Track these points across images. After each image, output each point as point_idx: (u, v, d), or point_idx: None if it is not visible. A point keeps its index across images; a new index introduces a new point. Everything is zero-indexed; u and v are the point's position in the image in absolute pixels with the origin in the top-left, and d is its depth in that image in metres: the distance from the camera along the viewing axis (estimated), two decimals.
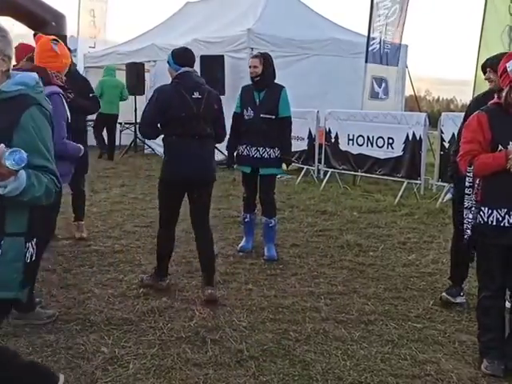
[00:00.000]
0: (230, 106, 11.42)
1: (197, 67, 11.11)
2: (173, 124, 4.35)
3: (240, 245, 5.89)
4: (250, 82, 5.67)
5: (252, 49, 11.20)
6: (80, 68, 17.56)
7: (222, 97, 11.43)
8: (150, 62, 13.79)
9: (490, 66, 4.03)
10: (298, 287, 4.76)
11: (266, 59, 5.45)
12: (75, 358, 3.40)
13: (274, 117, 5.45)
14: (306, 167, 10.07)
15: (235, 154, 5.73)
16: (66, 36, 19.53)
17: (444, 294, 4.42)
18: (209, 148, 4.54)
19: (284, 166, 5.93)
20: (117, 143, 14.92)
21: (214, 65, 11.24)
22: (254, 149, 5.54)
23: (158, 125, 4.47)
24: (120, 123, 14.18)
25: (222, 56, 11.31)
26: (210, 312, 4.16)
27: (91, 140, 11.36)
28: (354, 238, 6.32)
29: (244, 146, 5.59)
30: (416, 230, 6.73)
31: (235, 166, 5.89)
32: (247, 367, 3.37)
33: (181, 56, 4.46)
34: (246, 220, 5.91)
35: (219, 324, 3.95)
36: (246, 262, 5.41)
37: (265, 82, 5.46)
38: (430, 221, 7.22)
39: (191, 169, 4.36)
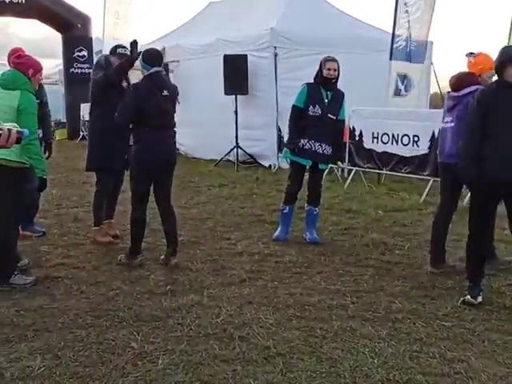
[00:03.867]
0: (252, 103, 11.59)
1: (220, 66, 11.35)
2: (146, 117, 4.97)
3: (275, 234, 6.14)
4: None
5: (275, 47, 11.22)
6: None
7: (245, 96, 11.57)
8: (173, 61, 13.86)
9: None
10: (323, 285, 4.76)
11: (338, 63, 5.90)
12: (106, 353, 3.46)
13: (335, 118, 5.91)
14: (330, 166, 10.02)
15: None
16: (91, 38, 19.86)
17: (468, 297, 4.35)
18: (173, 137, 5.35)
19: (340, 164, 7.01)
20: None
21: (237, 64, 11.27)
22: (317, 144, 5.92)
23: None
24: None
25: (245, 55, 11.32)
26: (236, 309, 4.19)
27: None
28: (380, 236, 6.29)
29: (307, 140, 5.89)
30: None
31: (290, 157, 6.08)
32: (275, 364, 3.39)
33: (151, 57, 5.07)
34: (285, 212, 6.15)
35: (246, 321, 3.98)
36: (271, 260, 5.43)
37: (335, 84, 5.90)
38: (457, 219, 7.13)
39: (164, 156, 5.12)
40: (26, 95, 4.51)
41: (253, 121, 11.57)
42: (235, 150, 11.54)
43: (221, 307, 4.20)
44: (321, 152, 5.93)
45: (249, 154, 11.81)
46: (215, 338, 3.72)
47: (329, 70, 5.80)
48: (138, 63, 6.55)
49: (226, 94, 11.47)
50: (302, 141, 5.90)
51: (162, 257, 5.33)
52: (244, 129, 11.57)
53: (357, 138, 9.46)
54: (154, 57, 5.08)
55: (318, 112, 5.82)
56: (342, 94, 5.99)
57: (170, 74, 13.81)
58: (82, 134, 18.17)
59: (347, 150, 9.61)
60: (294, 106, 5.98)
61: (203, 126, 12.66)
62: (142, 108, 4.94)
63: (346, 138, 9.61)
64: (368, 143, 9.28)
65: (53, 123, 22.46)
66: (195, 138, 13.08)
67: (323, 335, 3.78)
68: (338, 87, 5.99)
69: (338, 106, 5.93)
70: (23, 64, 4.68)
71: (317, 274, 5.05)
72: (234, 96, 11.45)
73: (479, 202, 4.38)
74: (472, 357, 3.50)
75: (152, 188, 5.27)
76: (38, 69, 4.80)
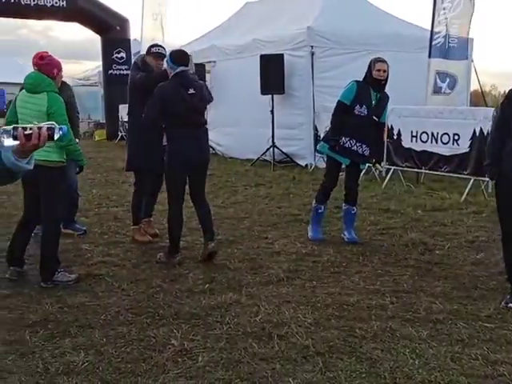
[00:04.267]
0: (288, 103, 11.59)
1: (256, 66, 11.38)
2: (173, 116, 5.07)
3: (310, 234, 6.14)
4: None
5: (312, 47, 11.18)
6: None
7: (281, 95, 11.59)
8: (210, 62, 13.96)
9: None
10: (362, 285, 4.73)
11: (388, 65, 5.84)
12: (147, 350, 3.51)
13: (377, 119, 5.91)
14: (367, 165, 9.93)
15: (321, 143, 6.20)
16: (129, 39, 20.16)
17: (510, 304, 4.24)
18: (205, 134, 5.35)
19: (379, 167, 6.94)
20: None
21: (273, 64, 11.28)
22: (358, 144, 5.88)
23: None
24: None
25: (282, 55, 11.33)
26: (275, 308, 4.19)
27: None
28: (419, 236, 6.21)
29: (348, 139, 5.86)
30: (484, 229, 6.54)
31: (327, 153, 6.05)
32: (314, 363, 3.38)
33: (177, 57, 5.16)
34: (320, 211, 6.15)
35: (284, 320, 3.98)
36: (309, 260, 5.42)
37: (384, 86, 5.85)
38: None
39: (194, 154, 5.13)
40: (53, 97, 4.56)
41: (289, 120, 11.57)
42: (271, 149, 11.56)
43: (259, 306, 4.22)
44: (360, 152, 5.91)
45: (285, 154, 11.80)
46: (254, 336, 3.73)
47: (378, 71, 5.72)
48: None
49: (262, 93, 11.50)
50: (343, 139, 5.85)
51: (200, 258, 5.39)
52: (280, 128, 11.58)
53: (395, 137, 9.36)
54: (179, 57, 5.17)
55: (364, 112, 5.77)
56: (388, 97, 5.97)
57: (207, 75, 13.95)
58: (120, 134, 18.46)
59: (385, 149, 9.50)
60: (339, 102, 5.88)
61: (239, 125, 12.73)
62: (168, 107, 5.05)
63: (384, 137, 9.53)
64: (407, 142, 9.17)
65: (92, 124, 23.08)
66: (232, 138, 13.17)
67: (362, 335, 3.75)
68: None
69: (382, 109, 5.93)
70: (47, 65, 4.71)
71: (355, 273, 5.02)
72: (270, 96, 11.47)
73: (504, 203, 4.28)
74: None
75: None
76: (60, 68, 4.86)
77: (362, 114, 5.77)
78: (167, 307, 4.20)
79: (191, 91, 5.09)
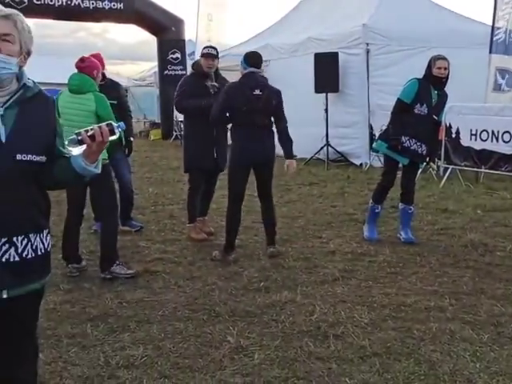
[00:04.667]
0: (342, 101, 11.49)
1: (311, 65, 11.33)
2: (237, 115, 5.22)
3: (365, 233, 6.07)
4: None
5: (367, 44, 11.04)
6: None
7: (335, 94, 11.50)
8: (264, 61, 13.95)
9: None
10: (420, 286, 4.64)
11: (449, 62, 5.70)
12: (203, 346, 3.56)
13: (436, 118, 5.84)
14: (424, 164, 9.74)
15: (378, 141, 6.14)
16: (184, 40, 20.45)
17: None
18: (268, 135, 5.34)
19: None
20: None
21: (327, 62, 11.21)
22: (418, 144, 5.79)
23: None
24: None
25: (337, 53, 11.24)
26: (330, 307, 4.17)
27: None
28: (479, 237, 6.04)
29: (407, 138, 5.78)
30: None
31: (387, 154, 5.96)
32: (371, 363, 3.35)
33: (249, 58, 5.32)
34: (377, 211, 6.08)
35: (340, 319, 3.95)
36: (365, 260, 5.36)
37: (445, 84, 5.73)
38: None
39: (252, 153, 5.22)
40: (98, 96, 4.79)
41: (344, 119, 11.47)
42: (325, 148, 11.48)
43: (314, 305, 4.20)
44: (420, 152, 5.81)
45: (339, 153, 11.70)
46: (309, 335, 3.72)
47: (439, 68, 5.59)
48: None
49: (316, 92, 11.45)
50: (403, 138, 5.76)
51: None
52: (335, 127, 11.49)
53: (453, 136, 9.13)
54: (251, 58, 5.33)
55: (424, 112, 5.66)
56: (447, 96, 5.83)
57: (263, 74, 13.98)
58: (175, 133, 18.74)
59: (443, 147, 9.31)
60: (399, 100, 5.76)
61: (293, 124, 12.57)
62: (232, 106, 5.22)
63: (442, 136, 9.32)
64: (465, 141, 8.94)
65: (148, 124, 23.53)
66: None
67: (421, 337, 3.69)
68: None
69: (441, 108, 5.83)
70: (88, 67, 4.92)
71: (412, 274, 4.93)
72: (324, 94, 11.40)
73: None
74: None
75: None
76: (100, 69, 5.08)
77: (422, 113, 5.66)
78: (223, 304, 4.24)
79: (257, 92, 5.18)
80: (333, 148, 11.57)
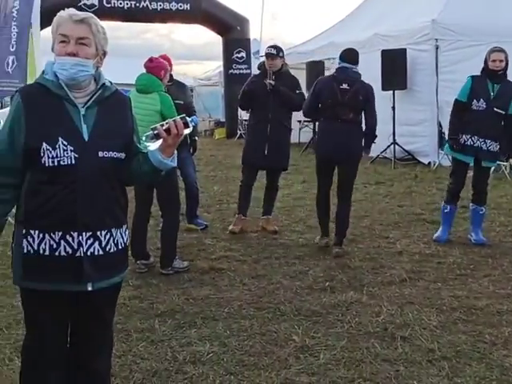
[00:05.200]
0: (410, 98, 11.23)
1: (378, 62, 11.16)
2: (323, 108, 5.41)
3: (436, 234, 5.93)
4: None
5: (436, 40, 10.76)
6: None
7: (403, 91, 11.26)
8: (329, 59, 13.88)
9: None
10: (491, 289, 4.49)
11: (506, 54, 5.58)
12: (269, 344, 3.57)
13: (504, 112, 5.56)
14: (497, 162, 9.40)
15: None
16: (249, 39, 20.58)
17: None
18: (352, 130, 5.34)
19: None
20: (296, 140, 15.34)
21: (395, 59, 11.00)
22: (481, 140, 5.61)
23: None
24: (299, 121, 14.48)
25: (405, 49, 11.01)
26: (397, 309, 4.09)
27: None
28: None
29: (469, 136, 5.65)
30: None
31: (452, 155, 5.96)
32: (440, 367, 3.27)
33: (343, 54, 5.49)
34: (446, 211, 5.92)
35: (408, 321, 3.87)
36: (433, 261, 5.23)
37: (502, 76, 5.58)
38: None
39: (333, 146, 5.31)
40: (164, 97, 4.88)
41: (411, 116, 11.22)
42: (392, 146, 11.28)
43: (381, 306, 4.14)
44: (485, 148, 5.60)
45: (406, 151, 11.46)
46: (376, 336, 3.67)
47: (494, 61, 5.47)
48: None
49: (383, 89, 11.23)
50: (464, 137, 5.63)
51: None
52: (402, 125, 11.26)
53: None
54: (344, 54, 5.50)
55: (483, 106, 5.51)
56: None
57: (326, 72, 13.90)
58: (239, 132, 18.89)
59: None
60: (455, 100, 5.75)
61: None
62: (319, 98, 5.43)
63: None
64: None
65: (213, 123, 23.84)
66: None
67: (492, 341, 3.57)
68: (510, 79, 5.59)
69: (507, 100, 5.55)
70: (156, 67, 5.02)
71: (484, 276, 4.78)
72: (391, 92, 11.20)
73: None
74: None
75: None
76: (167, 69, 5.16)
77: (480, 109, 5.51)
78: (288, 303, 4.24)
79: (344, 86, 5.29)
80: (400, 146, 11.35)
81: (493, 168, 9.25)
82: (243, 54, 19.96)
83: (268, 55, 5.95)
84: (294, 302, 4.28)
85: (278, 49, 6.01)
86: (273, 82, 5.89)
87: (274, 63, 5.93)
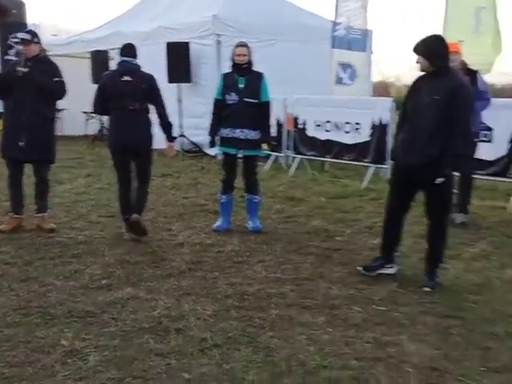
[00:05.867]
0: (195, 91, 11.44)
1: (163, 54, 11.13)
2: (109, 100, 5.61)
3: (215, 224, 6.10)
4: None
5: (218, 35, 11.08)
6: None
7: (189, 84, 11.38)
8: (115, 49, 13.50)
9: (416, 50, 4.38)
10: (264, 274, 4.73)
11: (249, 48, 5.88)
12: (34, 352, 3.32)
13: (256, 101, 5.82)
14: (274, 154, 10.04)
15: (217, 137, 6.06)
16: (25, 24, 19.14)
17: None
18: (140, 118, 5.60)
19: (265, 146, 6.53)
20: (82, 133, 14.71)
21: (179, 52, 11.10)
22: (238, 131, 5.85)
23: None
24: (85, 112, 13.91)
25: (187, 43, 11.16)
26: (174, 301, 4.10)
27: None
28: (322, 223, 6.32)
29: (229, 129, 5.89)
30: (382, 214, 6.73)
31: (218, 149, 6.22)
32: (211, 355, 3.33)
33: (123, 49, 5.78)
34: (222, 201, 6.11)
35: (183, 313, 3.90)
36: (213, 251, 5.36)
37: (248, 69, 5.84)
38: None
39: (124, 135, 5.55)
40: None
41: (197, 109, 11.41)
42: (180, 139, 11.37)
43: (157, 300, 4.11)
44: (243, 138, 5.83)
45: (194, 143, 11.67)
46: (150, 331, 3.62)
47: (238, 55, 5.79)
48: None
49: (169, 82, 11.28)
50: (223, 130, 5.90)
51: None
52: (188, 117, 11.42)
53: (300, 127, 9.48)
54: (123, 49, 5.77)
55: (236, 99, 5.78)
56: (260, 76, 5.85)
57: (111, 62, 13.52)
58: None
59: (292, 138, 9.65)
60: (214, 99, 6.01)
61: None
62: (105, 92, 5.61)
63: (290, 126, 9.65)
64: (311, 131, 9.32)
65: None
66: None
67: (261, 324, 3.75)
68: (258, 71, 5.89)
69: (256, 89, 5.80)
70: None
71: (258, 262, 5.02)
72: (177, 84, 11.28)
73: (391, 188, 4.78)
74: (405, 340, 3.54)
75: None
76: None
77: (234, 102, 5.79)
78: (59, 306, 4.00)
79: (125, 78, 5.54)
80: (187, 139, 11.51)
81: (272, 159, 9.91)
82: None
83: (22, 41, 5.60)
84: (67, 303, 4.05)
85: (33, 34, 5.70)
86: (25, 70, 5.52)
87: (28, 49, 5.58)
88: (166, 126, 5.78)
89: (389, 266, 4.72)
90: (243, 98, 5.76)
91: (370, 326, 3.73)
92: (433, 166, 4.23)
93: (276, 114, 9.85)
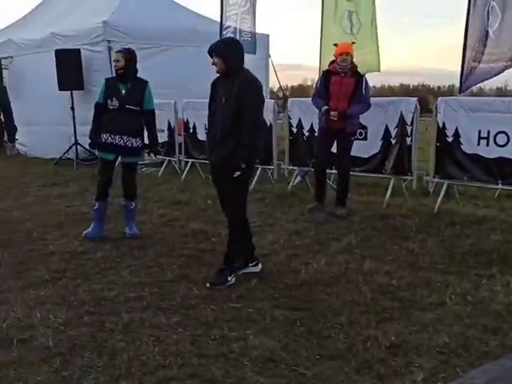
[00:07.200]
0: (88, 99, 11.24)
1: (52, 61, 10.86)
2: None
3: (86, 231, 6.04)
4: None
5: (109, 41, 10.97)
6: None
7: (82, 91, 11.16)
8: (7, 58, 13.11)
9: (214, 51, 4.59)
10: (128, 278, 4.73)
11: (128, 54, 5.78)
12: None
13: (139, 109, 5.81)
14: (168, 159, 10.04)
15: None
16: None
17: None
18: None
19: (152, 155, 6.45)
20: None
21: (70, 59, 10.89)
22: (118, 137, 5.81)
23: None
24: None
25: (78, 50, 10.98)
26: (27, 311, 4.04)
27: None
28: (201, 225, 6.39)
29: (108, 135, 5.84)
30: (263, 214, 6.91)
31: (97, 153, 6.24)
32: (52, 364, 3.31)
33: None
34: (95, 208, 6.06)
35: (33, 323, 3.84)
36: (83, 258, 5.31)
37: (127, 75, 5.77)
38: (280, 204, 7.45)
39: None
40: None
41: (91, 116, 11.18)
42: (75, 147, 11.16)
43: (9, 311, 4.03)
44: (122, 144, 5.82)
45: (89, 151, 11.45)
46: None
47: (114, 61, 5.83)
48: None
49: (60, 89, 11.06)
50: (103, 135, 5.84)
51: None
52: (83, 125, 11.17)
53: (191, 131, 9.53)
54: None
55: (116, 105, 5.75)
56: (144, 83, 5.85)
57: (4, 71, 13.09)
58: None
59: (183, 142, 9.68)
60: (96, 103, 5.95)
61: (40, 124, 12.15)
62: None
63: (181, 131, 9.68)
64: (201, 135, 9.36)
65: None
66: (34, 137, 12.60)
67: (112, 329, 3.75)
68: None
69: (139, 97, 5.80)
70: None
71: (126, 267, 5.01)
72: (70, 92, 11.07)
73: None
74: (251, 335, 3.64)
75: None
76: None
77: (115, 107, 5.76)
78: None
79: None
80: (82, 146, 11.29)
81: (164, 166, 9.87)
82: None
83: None
84: None
85: None
86: None
87: None
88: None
89: (253, 264, 4.83)
90: (125, 104, 5.73)
91: (220, 324, 3.81)
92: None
93: (167, 119, 9.92)
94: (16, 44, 12.88)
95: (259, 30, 11.25)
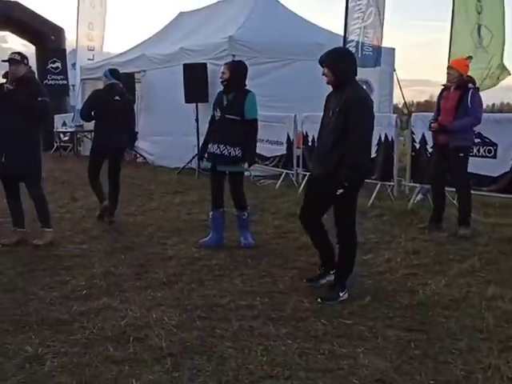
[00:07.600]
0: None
1: (180, 75, 11.38)
2: (100, 115, 7.07)
3: (204, 239, 6.19)
4: None
5: (234, 55, 11.26)
6: (77, 80, 17.81)
7: (205, 104, 11.59)
8: (140, 72, 13.94)
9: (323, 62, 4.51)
10: (240, 287, 4.78)
11: (234, 66, 5.99)
12: None
13: (238, 118, 5.79)
14: (285, 171, 10.10)
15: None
16: (64, 49, 19.92)
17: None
18: (121, 132, 7.10)
19: (246, 165, 6.09)
20: None
21: (196, 72, 11.34)
22: (215, 146, 5.92)
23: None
24: None
25: (205, 64, 11.40)
26: (144, 312, 4.20)
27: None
28: None
29: (211, 144, 6.03)
30: (380, 231, 6.71)
31: (204, 162, 6.75)
32: (163, 364, 3.40)
33: (112, 72, 7.33)
34: (211, 217, 6.19)
35: (149, 323, 3.98)
36: (198, 264, 5.45)
37: (231, 86, 5.85)
38: (398, 222, 7.20)
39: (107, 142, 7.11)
40: None
41: None
42: (197, 157, 11.56)
43: (128, 310, 4.21)
44: (218, 153, 5.88)
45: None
46: (113, 340, 3.71)
47: (221, 73, 5.92)
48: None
49: (186, 102, 11.54)
50: (209, 145, 6.03)
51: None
52: None
53: (310, 144, 9.51)
54: (113, 72, 7.31)
55: (219, 115, 5.90)
56: (245, 94, 5.81)
57: (137, 84, 13.92)
58: (56, 144, 18.15)
59: (301, 155, 9.69)
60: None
61: (167, 134, 12.78)
62: (96, 107, 7.11)
63: (300, 144, 9.71)
64: None
65: None
66: (160, 147, 13.27)
67: (221, 335, 3.80)
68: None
69: (239, 107, 5.79)
70: None
71: (238, 276, 5.07)
72: (195, 104, 11.52)
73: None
74: (362, 353, 3.52)
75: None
76: None
77: (218, 117, 5.90)
78: (35, 314, 4.14)
79: (117, 98, 7.08)
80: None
81: (281, 178, 9.90)
82: (58, 65, 19.34)
83: (12, 61, 5.86)
84: (43, 312, 4.19)
85: (22, 56, 5.93)
86: (11, 87, 5.79)
87: (17, 69, 5.84)
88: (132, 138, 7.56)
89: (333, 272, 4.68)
90: (225, 114, 5.86)
91: (330, 339, 3.73)
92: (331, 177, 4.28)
93: (286, 132, 10.00)
94: (148, 58, 13.64)
95: (386, 44, 11.10)
